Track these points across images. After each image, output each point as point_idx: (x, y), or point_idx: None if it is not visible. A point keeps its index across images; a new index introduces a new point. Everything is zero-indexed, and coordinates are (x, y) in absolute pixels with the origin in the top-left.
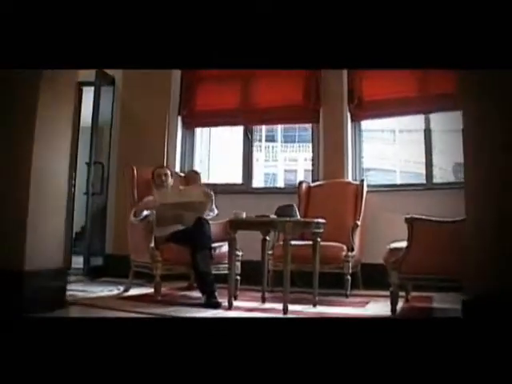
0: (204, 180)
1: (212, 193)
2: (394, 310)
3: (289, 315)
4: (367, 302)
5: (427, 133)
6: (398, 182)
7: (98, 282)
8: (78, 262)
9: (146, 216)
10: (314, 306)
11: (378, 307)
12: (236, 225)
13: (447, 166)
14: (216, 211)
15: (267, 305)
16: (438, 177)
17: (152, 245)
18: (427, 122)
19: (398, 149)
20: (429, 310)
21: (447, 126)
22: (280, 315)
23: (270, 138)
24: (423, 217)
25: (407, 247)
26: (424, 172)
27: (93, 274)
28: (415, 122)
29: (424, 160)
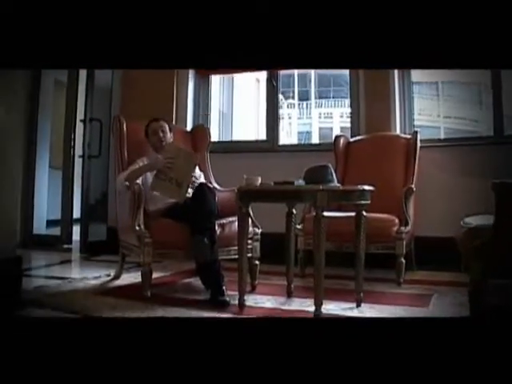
0: (226, 137)
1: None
2: (476, 315)
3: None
4: (430, 296)
5: (494, 71)
6: None
7: (94, 261)
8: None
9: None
10: (358, 305)
11: (447, 306)
12: (247, 196)
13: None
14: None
15: (293, 302)
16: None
17: (140, 222)
18: None
19: (441, 104)
20: None
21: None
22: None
23: (304, 95)
24: None
25: (495, 226)
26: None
27: (93, 251)
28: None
29: (471, 115)
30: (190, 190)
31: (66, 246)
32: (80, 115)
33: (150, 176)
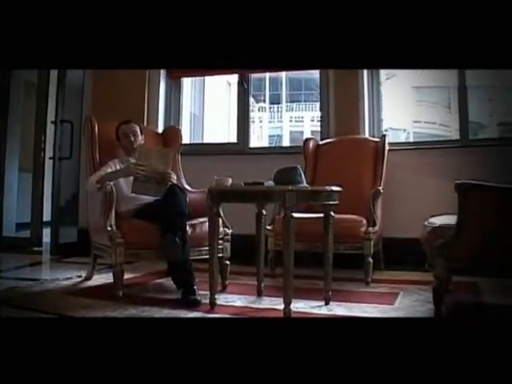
0: (197, 139)
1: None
2: (439, 311)
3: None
4: (396, 294)
5: (461, 76)
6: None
7: (65, 263)
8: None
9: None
10: (327, 303)
11: (412, 303)
12: (218, 196)
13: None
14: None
15: (264, 300)
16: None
17: (111, 222)
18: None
19: (411, 108)
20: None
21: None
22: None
23: (275, 99)
24: (482, 183)
25: (458, 225)
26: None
27: (64, 253)
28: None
29: (440, 119)
30: None
31: (36, 248)
32: (51, 117)
33: (121, 178)
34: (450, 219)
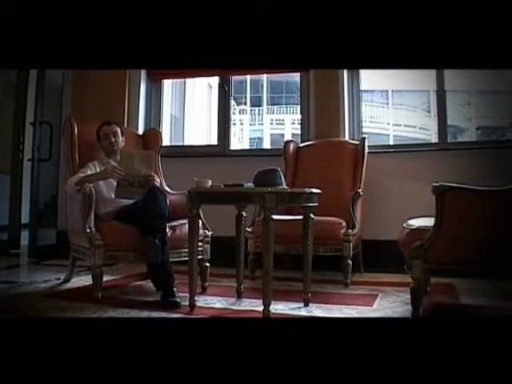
0: (177, 141)
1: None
2: (416, 312)
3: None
4: (375, 296)
5: (439, 80)
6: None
7: (44, 265)
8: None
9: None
10: (306, 304)
11: (390, 304)
12: (198, 198)
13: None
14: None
15: (243, 302)
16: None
17: (90, 224)
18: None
19: (391, 111)
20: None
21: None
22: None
23: (256, 102)
24: (459, 185)
25: (435, 227)
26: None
27: (42, 256)
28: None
29: (420, 123)
30: None
31: (13, 250)
32: (29, 118)
33: (101, 180)
34: (427, 221)
